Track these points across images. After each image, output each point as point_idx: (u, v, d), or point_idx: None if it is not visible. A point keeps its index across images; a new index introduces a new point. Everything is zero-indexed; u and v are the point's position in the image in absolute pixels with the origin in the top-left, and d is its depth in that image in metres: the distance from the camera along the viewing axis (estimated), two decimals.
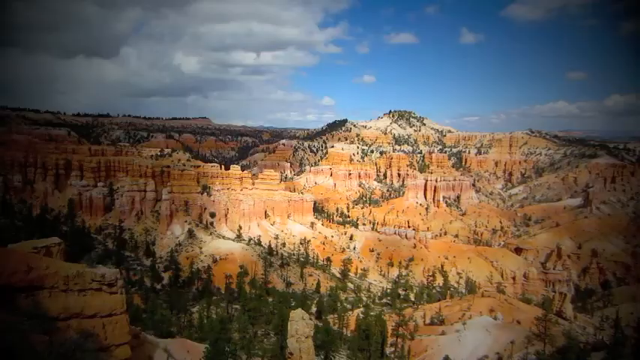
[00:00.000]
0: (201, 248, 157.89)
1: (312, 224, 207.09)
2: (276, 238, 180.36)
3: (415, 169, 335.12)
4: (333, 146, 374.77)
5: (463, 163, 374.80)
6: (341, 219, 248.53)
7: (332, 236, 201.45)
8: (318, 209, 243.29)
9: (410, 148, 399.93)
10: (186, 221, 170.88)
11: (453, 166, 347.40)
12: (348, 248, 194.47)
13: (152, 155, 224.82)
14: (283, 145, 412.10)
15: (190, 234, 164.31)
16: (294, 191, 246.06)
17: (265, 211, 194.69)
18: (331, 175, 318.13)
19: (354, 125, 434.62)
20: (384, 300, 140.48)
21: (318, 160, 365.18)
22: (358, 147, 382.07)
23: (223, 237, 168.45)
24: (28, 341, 16.62)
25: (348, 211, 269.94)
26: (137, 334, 41.51)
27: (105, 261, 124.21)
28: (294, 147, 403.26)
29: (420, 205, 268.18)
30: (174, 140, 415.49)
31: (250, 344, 60.86)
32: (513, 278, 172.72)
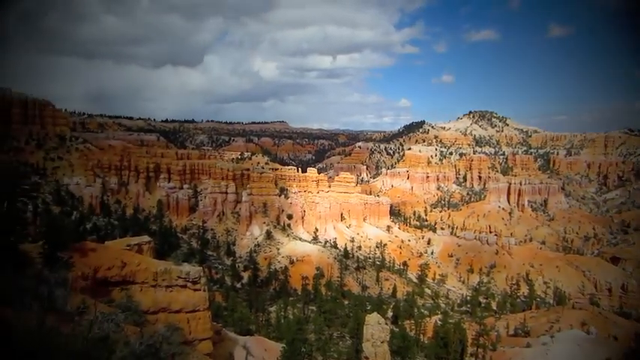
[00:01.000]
0: (278, 249, 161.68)
1: (389, 228, 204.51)
2: (352, 240, 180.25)
3: (497, 171, 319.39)
4: (410, 148, 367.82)
5: (551, 166, 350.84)
6: (418, 223, 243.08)
7: (409, 240, 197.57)
8: (394, 212, 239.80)
9: (492, 150, 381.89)
10: (264, 222, 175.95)
11: (539, 169, 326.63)
12: (426, 253, 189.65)
13: (233, 158, 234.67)
14: (359, 147, 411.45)
15: (268, 235, 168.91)
16: (370, 194, 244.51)
17: (341, 214, 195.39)
18: (408, 177, 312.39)
19: (432, 127, 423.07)
20: (464, 308, 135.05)
21: (395, 163, 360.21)
22: (436, 149, 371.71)
23: (300, 239, 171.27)
24: (122, 332, 17.88)
25: (426, 215, 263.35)
26: (218, 330, 43.18)
27: (189, 259, 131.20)
28: (371, 149, 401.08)
29: (503, 209, 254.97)
30: (253, 144, 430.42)
31: (326, 346, 61.14)
32: (609, 290, 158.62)
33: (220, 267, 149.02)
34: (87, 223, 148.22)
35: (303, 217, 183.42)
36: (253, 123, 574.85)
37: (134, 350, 12.66)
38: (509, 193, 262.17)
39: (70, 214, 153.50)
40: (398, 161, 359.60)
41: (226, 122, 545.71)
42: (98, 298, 30.32)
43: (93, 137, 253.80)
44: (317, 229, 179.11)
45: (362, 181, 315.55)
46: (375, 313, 42.82)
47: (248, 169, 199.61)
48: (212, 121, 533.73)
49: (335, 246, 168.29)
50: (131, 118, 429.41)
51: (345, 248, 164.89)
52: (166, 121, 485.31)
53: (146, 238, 47.10)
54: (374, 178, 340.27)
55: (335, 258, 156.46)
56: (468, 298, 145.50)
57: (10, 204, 29.21)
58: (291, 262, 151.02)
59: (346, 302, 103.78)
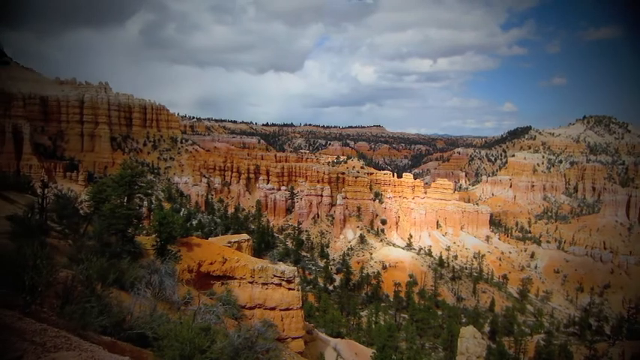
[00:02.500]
0: (371, 254, 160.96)
1: (488, 238, 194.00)
2: (448, 249, 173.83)
3: (615, 182, 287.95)
4: (513, 155, 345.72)
5: None
6: (520, 234, 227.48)
7: (509, 252, 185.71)
8: (494, 222, 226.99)
9: (609, 159, 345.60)
10: (358, 226, 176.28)
11: None
12: (529, 267, 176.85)
13: (329, 162, 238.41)
14: (458, 153, 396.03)
15: (362, 239, 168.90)
16: (469, 202, 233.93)
17: (437, 221, 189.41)
18: (511, 186, 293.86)
19: (539, 132, 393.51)
20: (571, 329, 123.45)
21: (496, 170, 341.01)
22: (543, 156, 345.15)
23: (393, 244, 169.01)
24: (222, 324, 18.98)
25: (530, 227, 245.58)
26: (310, 330, 43.92)
27: (284, 259, 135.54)
28: (470, 156, 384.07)
29: (621, 224, 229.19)
30: (349, 148, 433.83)
31: (417, 356, 59.48)
32: None
33: (314, 268, 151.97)
34: (193, 220, 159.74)
35: (397, 223, 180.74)
36: (350, 127, 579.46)
37: (232, 342, 13.27)
38: (628, 207, 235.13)
39: (178, 210, 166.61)
40: (500, 168, 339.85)
41: (323, 126, 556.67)
42: (201, 290, 32.42)
43: (200, 139, 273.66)
44: (411, 236, 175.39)
45: (460, 188, 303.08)
46: (470, 326, 40.72)
47: (343, 173, 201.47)
48: (310, 124, 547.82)
49: (429, 254, 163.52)
50: (235, 122, 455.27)
51: (440, 257, 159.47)
52: (267, 124, 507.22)
53: (245, 236, 49.38)
54: (473, 186, 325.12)
55: (429, 266, 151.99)
56: (577, 318, 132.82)
57: (129, 200, 32.38)
58: (384, 268, 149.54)
59: (440, 312, 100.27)
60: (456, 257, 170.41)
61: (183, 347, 10.84)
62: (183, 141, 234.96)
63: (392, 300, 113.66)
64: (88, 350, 6.97)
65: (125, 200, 31.93)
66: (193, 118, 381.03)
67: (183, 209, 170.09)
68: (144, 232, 40.43)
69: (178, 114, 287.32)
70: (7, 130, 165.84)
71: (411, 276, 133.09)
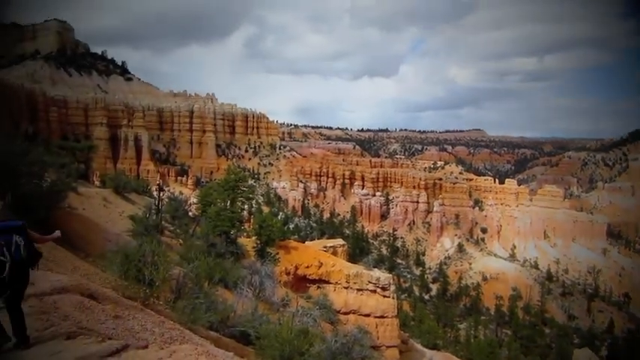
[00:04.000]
0: (470, 264, 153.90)
1: (605, 251, 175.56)
2: (557, 262, 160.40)
3: None
4: (636, 159, 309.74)
5: None
6: None
7: (632, 268, 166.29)
8: (612, 234, 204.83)
9: None
10: (456, 235, 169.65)
11: None
12: None
13: (425, 168, 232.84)
14: (569, 157, 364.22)
15: (460, 248, 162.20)
16: (582, 211, 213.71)
17: (544, 231, 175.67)
18: (633, 194, 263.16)
19: None
20: None
21: (615, 176, 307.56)
22: None
23: (495, 255, 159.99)
24: (319, 327, 19.36)
25: None
26: (405, 340, 42.97)
27: (379, 265, 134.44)
28: (583, 160, 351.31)
29: None
30: (447, 153, 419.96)
31: None
32: None
33: (409, 276, 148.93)
34: (290, 224, 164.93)
35: (499, 232, 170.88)
36: (447, 131, 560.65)
37: (330, 347, 13.40)
38: None
39: (276, 214, 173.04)
40: (619, 174, 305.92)
41: (419, 131, 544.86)
42: (298, 292, 33.29)
43: (298, 146, 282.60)
44: (515, 246, 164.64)
45: (571, 195, 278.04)
46: (586, 349, 37.12)
47: (441, 179, 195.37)
48: (405, 130, 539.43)
49: (536, 266, 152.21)
50: (330, 128, 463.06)
51: (548, 270, 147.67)
52: (362, 130, 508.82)
53: (340, 241, 49.83)
54: (586, 193, 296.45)
55: (535, 279, 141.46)
56: None
57: (232, 203, 34.35)
58: (484, 279, 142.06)
59: (547, 331, 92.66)
60: (566, 271, 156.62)
61: (283, 348, 11.16)
62: (282, 147, 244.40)
63: (493, 314, 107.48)
64: (199, 344, 7.44)
65: (229, 204, 33.94)
66: (291, 125, 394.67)
67: (280, 213, 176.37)
68: (245, 234, 42.47)
69: (277, 121, 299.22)
70: (129, 138, 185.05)
71: (514, 289, 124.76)
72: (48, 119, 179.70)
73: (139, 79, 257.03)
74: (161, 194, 39.44)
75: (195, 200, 40.46)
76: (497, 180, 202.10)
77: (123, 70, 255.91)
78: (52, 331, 5.91)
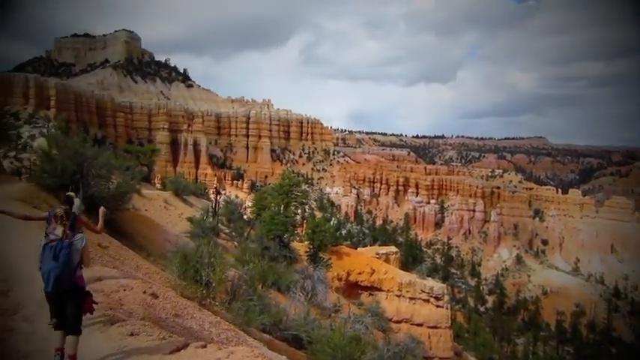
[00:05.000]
0: (529, 276, 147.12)
1: None
2: (626, 278, 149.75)
3: None
4: None
5: None
6: None
7: None
8: None
9: None
10: (514, 246, 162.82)
11: None
12: None
13: (482, 175, 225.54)
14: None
15: (518, 260, 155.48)
16: None
17: (612, 245, 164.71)
18: None
19: None
20: None
21: None
22: None
23: (556, 268, 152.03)
24: (371, 335, 19.19)
25: None
26: (459, 352, 41.68)
27: (433, 274, 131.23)
28: None
29: None
30: (505, 161, 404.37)
31: None
32: None
33: (464, 287, 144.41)
34: (342, 229, 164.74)
35: (561, 244, 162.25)
36: (507, 139, 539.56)
37: (382, 355, 13.22)
38: None
39: (329, 219, 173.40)
40: None
41: (477, 138, 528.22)
42: (349, 299, 33.14)
43: (351, 152, 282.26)
44: (578, 260, 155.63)
45: None
46: None
47: (499, 187, 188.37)
48: (462, 136, 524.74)
49: (602, 282, 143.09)
50: (385, 134, 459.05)
51: (616, 286, 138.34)
52: (417, 136, 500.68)
53: (393, 248, 49.20)
54: None
55: (601, 296, 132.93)
56: None
57: (285, 208, 34.80)
58: (544, 293, 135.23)
59: (614, 350, 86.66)
60: (635, 288, 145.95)
61: (335, 354, 11.11)
62: (335, 153, 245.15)
63: (553, 330, 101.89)
64: (254, 346, 7.54)
65: (283, 208, 34.42)
66: (345, 131, 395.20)
67: (333, 219, 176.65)
68: (297, 238, 42.89)
69: (331, 127, 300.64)
70: (189, 143, 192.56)
71: (577, 305, 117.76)
72: (115, 124, 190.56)
73: (199, 86, 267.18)
74: (218, 197, 40.68)
75: (250, 204, 41.39)
76: (559, 190, 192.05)
77: (184, 77, 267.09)
78: (117, 326, 6.21)
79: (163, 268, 13.43)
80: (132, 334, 5.87)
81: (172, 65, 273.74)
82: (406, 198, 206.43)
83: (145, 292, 7.71)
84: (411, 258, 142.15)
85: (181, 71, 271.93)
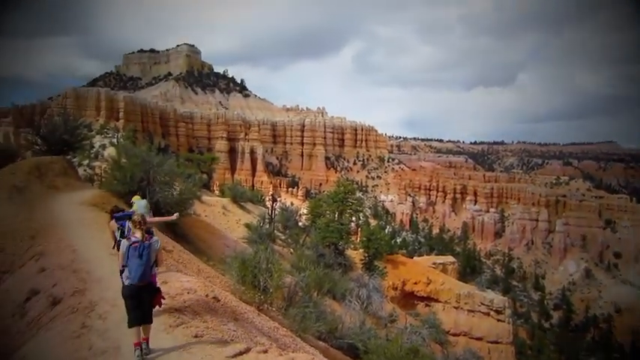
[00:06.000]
0: (600, 292, 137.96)
1: None
2: None
3: None
4: None
5: None
6: None
7: None
8: None
9: None
10: (582, 258, 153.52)
11: None
12: None
13: (546, 183, 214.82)
14: None
15: (587, 273, 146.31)
16: None
17: None
18: None
19: None
20: None
21: None
22: None
23: (630, 283, 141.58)
24: (428, 347, 18.75)
25: None
26: None
27: (492, 287, 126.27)
28: None
29: None
30: (572, 167, 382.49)
31: None
32: None
33: (526, 300, 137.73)
34: (397, 238, 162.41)
35: (636, 258, 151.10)
36: (573, 144, 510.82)
37: None
38: None
39: (384, 228, 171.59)
40: None
41: (539, 143, 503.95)
42: (404, 309, 32.54)
43: (406, 159, 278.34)
44: None
45: None
46: None
47: (564, 196, 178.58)
48: (523, 142, 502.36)
49: None
50: (441, 141, 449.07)
51: None
52: (475, 143, 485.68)
53: (451, 258, 47.93)
54: None
55: None
56: None
57: (340, 215, 34.81)
58: (617, 311, 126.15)
59: None
60: None
61: None
62: (390, 160, 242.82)
63: (627, 351, 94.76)
64: (310, 352, 7.57)
65: (337, 215, 34.47)
66: (400, 137, 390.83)
67: (388, 227, 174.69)
68: (352, 246, 42.75)
69: (386, 134, 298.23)
70: (245, 151, 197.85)
71: None
72: (177, 134, 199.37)
73: (256, 96, 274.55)
74: (274, 204, 41.40)
75: (305, 211, 41.78)
76: (633, 198, 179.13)
77: (242, 88, 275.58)
78: (182, 328, 6.47)
79: (223, 272, 13.81)
80: (196, 336, 6.10)
81: (230, 76, 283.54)
82: (464, 206, 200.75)
83: (207, 296, 7.98)
84: (469, 269, 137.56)
85: (239, 82, 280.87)
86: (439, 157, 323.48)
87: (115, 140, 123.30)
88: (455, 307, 35.35)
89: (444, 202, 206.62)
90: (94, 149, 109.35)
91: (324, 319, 13.98)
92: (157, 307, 6.43)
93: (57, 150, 24.14)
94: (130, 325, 6.01)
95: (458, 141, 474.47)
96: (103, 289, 7.94)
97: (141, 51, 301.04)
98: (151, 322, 6.12)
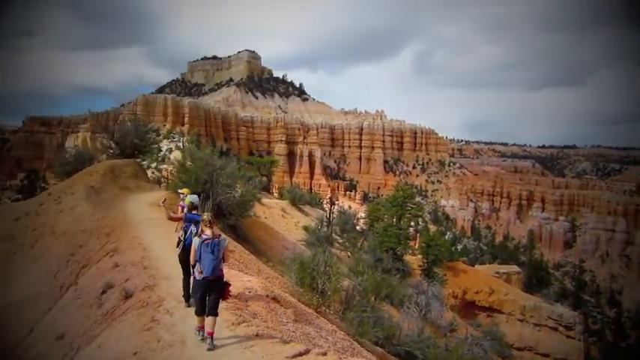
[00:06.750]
0: None
1: None
2: None
3: None
4: None
5: None
6: None
7: None
8: None
9: None
10: None
11: None
12: None
13: (625, 190, 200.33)
14: None
15: None
16: None
17: None
18: None
19: None
20: None
21: None
22: None
23: None
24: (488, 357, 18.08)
25: None
26: None
27: (561, 300, 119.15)
28: None
29: None
30: None
31: None
32: None
33: (599, 317, 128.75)
34: (458, 245, 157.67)
35: None
36: None
37: None
38: None
39: (444, 234, 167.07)
40: None
41: (616, 147, 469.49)
42: (465, 319, 31.50)
43: (468, 163, 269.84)
44: None
45: None
46: None
47: None
48: (598, 146, 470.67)
49: None
50: (506, 144, 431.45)
51: None
52: (543, 146, 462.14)
53: (515, 268, 45.96)
54: None
55: None
56: None
57: (399, 220, 34.37)
58: None
59: None
60: None
61: None
62: (451, 164, 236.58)
63: None
64: (368, 358, 7.53)
65: (396, 220, 34.07)
66: (462, 141, 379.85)
67: (448, 233, 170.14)
68: (410, 252, 42.04)
69: (447, 137, 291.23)
70: (304, 154, 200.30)
71: None
72: (238, 137, 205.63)
73: (314, 99, 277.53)
74: (332, 208, 41.60)
75: (363, 215, 41.66)
76: None
77: (300, 92, 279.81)
78: (243, 326, 6.67)
79: (281, 273, 14.05)
80: (257, 335, 6.27)
81: (289, 80, 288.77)
82: (530, 213, 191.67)
83: (267, 296, 8.18)
84: (535, 280, 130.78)
85: (297, 86, 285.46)
86: (504, 161, 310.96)
87: (180, 144, 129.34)
88: (519, 320, 33.79)
89: (508, 208, 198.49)
90: (162, 153, 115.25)
91: (382, 324, 13.85)
92: (226, 299, 6.95)
93: (128, 153, 25.77)
94: (198, 313, 6.56)
95: (524, 144, 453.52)
96: (171, 285, 8.39)
97: (204, 58, 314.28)
98: (217, 314, 6.50)
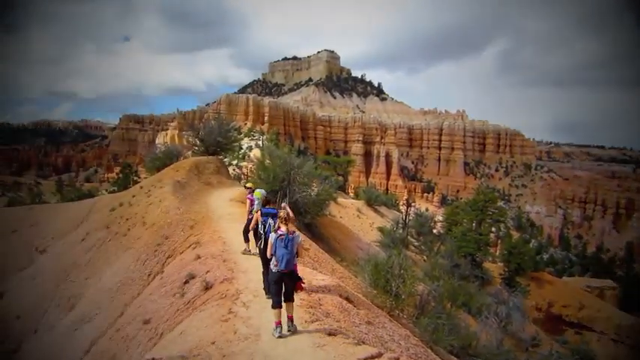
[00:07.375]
0: None
1: None
2: None
3: None
4: None
5: None
6: None
7: None
8: None
9: None
10: None
11: None
12: None
13: None
14: None
15: None
16: None
17: None
18: None
19: None
20: None
21: None
22: None
23: None
24: None
25: None
26: None
27: None
28: None
29: None
30: None
31: None
32: None
33: None
34: (544, 254, 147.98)
35: None
36: None
37: None
38: None
39: (528, 241, 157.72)
40: None
41: None
42: (550, 334, 29.46)
43: (558, 166, 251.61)
44: None
45: None
46: None
47: None
48: None
49: None
50: (602, 147, 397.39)
51: None
52: None
53: (610, 282, 42.20)
54: None
55: None
56: None
57: (479, 225, 32.91)
58: None
59: None
60: None
61: None
62: (538, 168, 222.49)
63: None
64: None
65: (476, 225, 32.66)
66: (550, 143, 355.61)
67: (533, 241, 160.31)
68: (490, 259, 40.19)
69: (534, 139, 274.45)
70: (381, 154, 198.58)
71: None
72: (315, 137, 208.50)
73: (393, 99, 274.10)
74: (408, 210, 40.81)
75: (440, 218, 40.40)
76: None
77: (379, 91, 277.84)
78: (316, 324, 6.71)
79: (355, 274, 14.00)
80: (330, 334, 6.27)
81: (368, 80, 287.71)
82: (629, 223, 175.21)
83: (340, 296, 8.17)
84: (633, 297, 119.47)
85: (376, 85, 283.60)
86: (599, 165, 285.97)
87: (260, 142, 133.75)
88: (613, 340, 30.98)
89: (603, 217, 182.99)
90: (242, 150, 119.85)
91: (458, 332, 13.33)
92: (298, 291, 7.22)
93: (212, 150, 27.12)
94: (274, 306, 6.79)
95: (624, 147, 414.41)
96: (248, 279, 8.69)
97: (285, 59, 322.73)
98: (293, 300, 6.93)
